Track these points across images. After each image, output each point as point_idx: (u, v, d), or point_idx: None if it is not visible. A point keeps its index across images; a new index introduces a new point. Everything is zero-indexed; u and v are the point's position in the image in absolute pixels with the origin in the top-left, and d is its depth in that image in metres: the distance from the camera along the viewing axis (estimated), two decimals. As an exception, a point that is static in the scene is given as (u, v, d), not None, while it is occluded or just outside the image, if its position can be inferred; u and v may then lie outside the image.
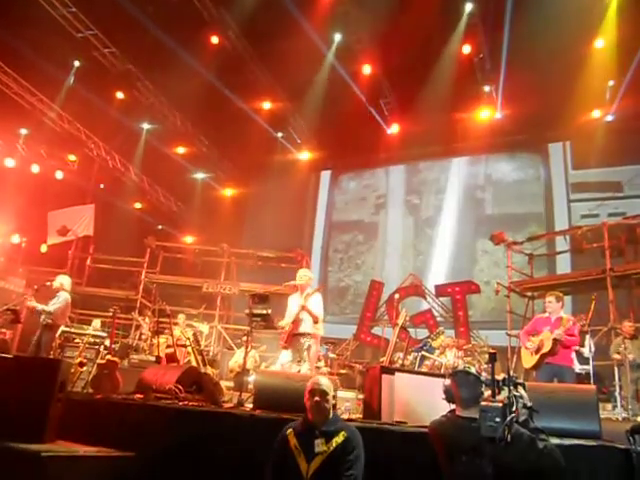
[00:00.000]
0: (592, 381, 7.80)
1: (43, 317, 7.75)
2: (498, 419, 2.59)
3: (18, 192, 12.59)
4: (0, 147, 13.51)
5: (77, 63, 13.31)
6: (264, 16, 11.43)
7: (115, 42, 12.51)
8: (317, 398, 3.45)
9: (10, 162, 13.62)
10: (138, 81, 13.60)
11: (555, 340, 6.02)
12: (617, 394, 7.95)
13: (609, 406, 8.19)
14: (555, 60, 11.37)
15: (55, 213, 14.82)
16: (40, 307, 7.72)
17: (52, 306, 7.75)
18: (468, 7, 11.45)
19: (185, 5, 11.69)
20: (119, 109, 14.05)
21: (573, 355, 8.20)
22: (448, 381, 3.27)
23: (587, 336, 8.40)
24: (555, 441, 3.42)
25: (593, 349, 8.35)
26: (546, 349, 6.08)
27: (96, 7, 11.35)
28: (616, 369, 8.24)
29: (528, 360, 6.32)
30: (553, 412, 3.85)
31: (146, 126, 15.77)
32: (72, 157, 15.26)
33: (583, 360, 8.37)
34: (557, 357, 6.06)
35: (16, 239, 14.02)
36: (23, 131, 14.19)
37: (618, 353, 8.33)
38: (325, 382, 3.58)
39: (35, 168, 14.17)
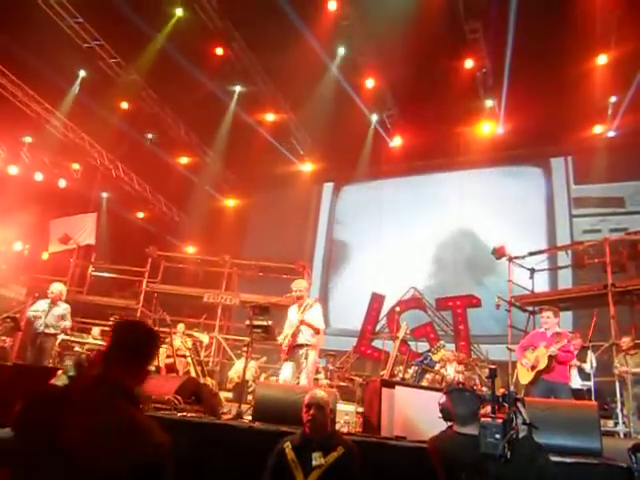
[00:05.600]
0: (593, 397, 7.75)
1: (42, 326, 7.79)
2: (498, 435, 2.57)
3: (21, 200, 12.63)
4: (4, 155, 13.58)
5: (83, 73, 13.40)
6: (269, 28, 11.53)
7: (121, 52, 12.62)
8: (313, 412, 3.43)
9: (14, 170, 13.68)
10: (143, 91, 13.70)
11: (550, 357, 6.02)
12: (619, 410, 7.90)
13: (610, 422, 8.12)
14: (557, 75, 11.44)
15: (57, 221, 14.87)
16: (63, 324, 7.94)
17: (68, 321, 7.98)
18: (471, 22, 11.52)
19: (190, 16, 11.82)
20: (123, 119, 14.12)
21: (574, 372, 8.19)
22: (443, 399, 3.25)
23: (589, 352, 8.37)
24: (556, 458, 3.40)
25: (595, 365, 8.31)
26: (542, 366, 6.07)
27: (102, 18, 11.45)
28: (617, 385, 8.19)
29: (524, 376, 6.32)
30: (553, 429, 3.83)
31: (150, 136, 15.84)
32: (75, 166, 15.32)
33: (584, 376, 8.33)
34: (553, 374, 6.06)
35: (18, 246, 14.05)
36: (27, 139, 14.27)
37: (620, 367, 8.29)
38: (322, 395, 3.56)
39: (38, 176, 14.23)
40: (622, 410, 7.91)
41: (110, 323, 9.14)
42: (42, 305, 7.93)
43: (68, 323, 8.06)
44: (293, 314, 6.41)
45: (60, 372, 2.24)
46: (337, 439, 3.48)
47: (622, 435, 7.53)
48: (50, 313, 7.86)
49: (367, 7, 11.27)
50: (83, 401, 1.72)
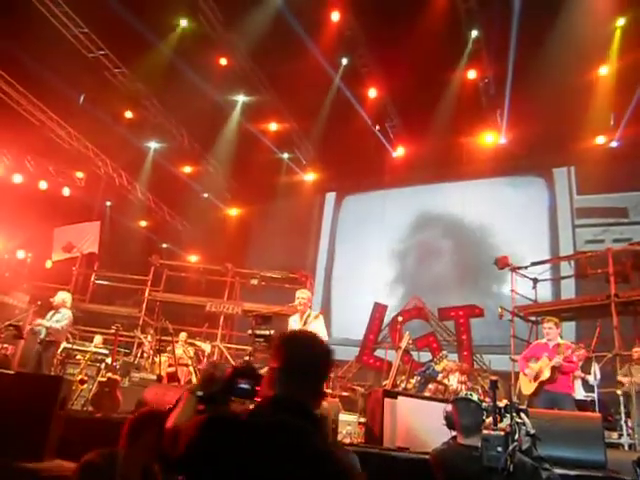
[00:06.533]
0: (597, 409, 7.69)
1: (44, 334, 7.79)
2: (500, 448, 2.55)
3: (25, 208, 12.67)
4: (9, 163, 13.64)
5: (87, 82, 13.48)
6: (272, 39, 11.59)
7: (125, 62, 12.71)
8: None
9: (18, 178, 13.75)
10: (147, 100, 13.77)
11: (554, 368, 5.98)
12: (623, 422, 7.84)
13: (615, 434, 8.05)
14: (560, 86, 11.46)
15: (61, 229, 14.90)
16: (48, 324, 7.80)
17: (58, 323, 7.85)
18: (474, 33, 11.59)
19: (195, 26, 11.92)
20: (127, 128, 14.19)
21: (578, 383, 8.14)
22: (449, 407, 3.24)
23: (593, 363, 8.32)
24: (559, 471, 3.37)
25: (599, 376, 8.25)
26: (545, 377, 6.04)
27: (107, 28, 11.54)
28: (621, 396, 8.13)
29: (527, 387, 6.29)
30: (557, 440, 3.80)
31: (154, 145, 15.91)
32: (79, 174, 15.37)
33: (588, 387, 8.27)
34: (556, 384, 6.03)
35: (21, 254, 14.08)
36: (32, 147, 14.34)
37: (625, 377, 8.24)
38: (323, 405, 3.54)
39: (43, 184, 14.29)
40: (627, 422, 7.84)
41: (112, 331, 9.11)
42: (48, 314, 7.98)
43: (56, 324, 7.86)
44: (295, 324, 6.40)
45: (185, 392, 2.04)
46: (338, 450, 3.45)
47: (627, 447, 7.47)
48: (51, 320, 7.89)
49: (370, 18, 11.34)
50: (270, 428, 1.54)
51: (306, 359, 1.72)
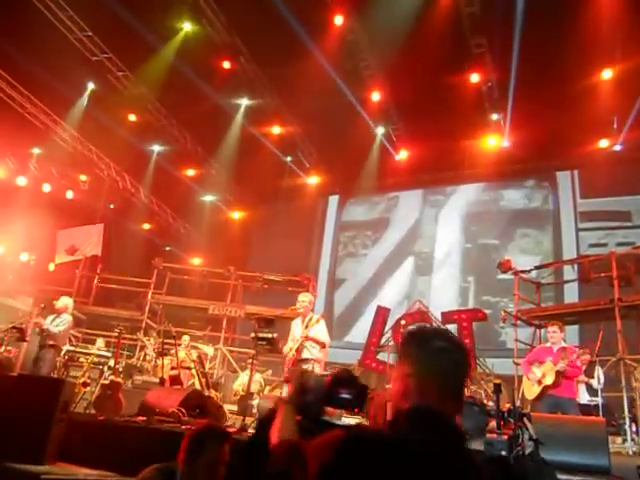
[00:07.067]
0: (601, 413, 7.65)
1: (44, 336, 7.81)
2: (504, 452, 2.54)
3: (29, 210, 12.71)
4: (13, 166, 13.69)
5: (91, 85, 13.55)
6: (276, 42, 11.61)
7: (129, 65, 12.76)
8: None
9: (22, 181, 13.79)
10: (150, 104, 13.81)
11: (558, 372, 5.96)
12: (627, 427, 7.79)
13: (619, 439, 8.00)
14: (563, 89, 11.45)
15: (64, 232, 14.94)
16: (46, 326, 7.81)
17: (56, 327, 7.86)
18: (477, 37, 11.58)
19: (198, 30, 11.95)
20: (131, 131, 14.24)
21: (582, 387, 8.11)
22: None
23: (597, 367, 8.28)
24: (563, 476, 3.35)
25: (602, 380, 8.21)
26: (549, 381, 6.03)
27: (111, 32, 11.59)
28: (625, 401, 8.08)
29: (530, 391, 6.27)
30: (561, 445, 3.77)
31: (157, 148, 15.95)
32: (83, 177, 15.44)
33: (592, 392, 8.23)
34: (560, 389, 6.01)
35: (25, 257, 14.12)
36: (36, 150, 14.40)
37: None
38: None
39: (46, 187, 14.34)
40: (631, 426, 7.79)
41: (115, 334, 9.13)
42: (49, 318, 8.00)
43: (54, 328, 7.84)
44: (297, 328, 6.39)
45: (281, 403, 1.93)
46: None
47: (631, 452, 7.42)
48: (52, 324, 7.91)
49: (373, 21, 11.35)
50: (420, 446, 1.38)
51: (445, 363, 1.51)
